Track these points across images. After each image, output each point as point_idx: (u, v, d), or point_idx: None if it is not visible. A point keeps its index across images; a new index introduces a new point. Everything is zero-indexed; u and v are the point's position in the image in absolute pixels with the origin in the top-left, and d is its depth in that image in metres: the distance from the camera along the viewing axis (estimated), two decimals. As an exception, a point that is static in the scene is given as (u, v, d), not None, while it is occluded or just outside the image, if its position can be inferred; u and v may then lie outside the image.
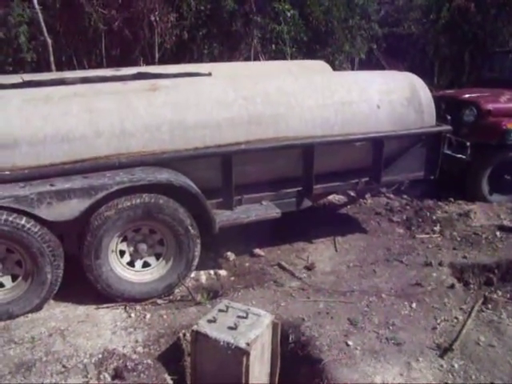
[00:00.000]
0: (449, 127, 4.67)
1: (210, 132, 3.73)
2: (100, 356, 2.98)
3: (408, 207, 5.72)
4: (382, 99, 4.26)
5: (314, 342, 3.13)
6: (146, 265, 3.74)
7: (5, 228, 3.11)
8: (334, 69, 7.19)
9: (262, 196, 4.19)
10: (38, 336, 3.16)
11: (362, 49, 10.62)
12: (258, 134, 3.87)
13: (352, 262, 4.35)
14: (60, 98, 3.53)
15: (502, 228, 4.92)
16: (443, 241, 4.73)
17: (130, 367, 2.88)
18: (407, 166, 4.63)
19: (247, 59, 9.43)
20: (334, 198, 6.03)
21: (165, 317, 3.45)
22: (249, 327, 2.75)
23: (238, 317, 2.84)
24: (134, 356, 3.01)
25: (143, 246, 3.67)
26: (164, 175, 3.51)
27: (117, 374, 2.84)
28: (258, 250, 4.58)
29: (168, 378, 2.97)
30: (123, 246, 3.65)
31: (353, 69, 11.02)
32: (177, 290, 3.82)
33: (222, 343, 2.64)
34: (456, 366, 2.94)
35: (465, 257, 4.35)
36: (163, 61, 8.62)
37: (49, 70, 7.53)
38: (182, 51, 9.35)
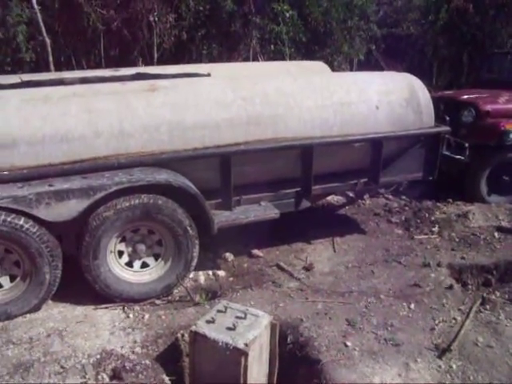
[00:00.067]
0: (447, 128, 4.67)
1: (208, 132, 3.73)
2: (98, 356, 2.97)
3: (406, 208, 5.72)
4: (381, 100, 4.27)
5: (313, 342, 3.13)
6: (144, 265, 3.74)
7: (3, 228, 3.11)
8: (333, 69, 7.19)
9: (261, 197, 4.19)
10: (36, 336, 3.16)
11: (361, 49, 10.63)
12: (257, 134, 3.87)
13: (350, 262, 4.35)
14: (59, 98, 3.53)
15: (500, 229, 4.92)
16: (442, 242, 4.74)
17: (128, 368, 2.88)
18: (406, 167, 4.64)
19: (246, 60, 9.43)
20: (332, 198, 6.04)
21: (163, 317, 3.45)
22: (247, 328, 2.75)
23: (237, 317, 2.83)
24: (133, 356, 3.01)
25: (142, 247, 3.66)
26: (163, 176, 3.50)
27: (115, 375, 2.84)
28: (256, 251, 4.58)
29: (166, 379, 2.97)
30: (122, 247, 3.65)
31: (351, 69, 11.02)
32: (175, 291, 3.81)
33: (220, 344, 2.64)
34: (454, 366, 2.95)
35: (463, 258, 4.35)
36: (162, 61, 8.62)
37: (47, 70, 7.52)
38: (181, 52, 9.35)
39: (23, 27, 7.35)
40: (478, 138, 5.65)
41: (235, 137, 3.81)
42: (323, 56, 9.64)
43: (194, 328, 2.77)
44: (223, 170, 3.83)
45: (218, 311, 2.91)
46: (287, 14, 9.22)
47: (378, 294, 3.72)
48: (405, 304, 3.58)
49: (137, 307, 3.58)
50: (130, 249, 3.68)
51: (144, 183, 3.41)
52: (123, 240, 3.64)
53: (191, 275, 4.00)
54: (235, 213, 3.98)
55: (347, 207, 5.92)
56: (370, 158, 4.41)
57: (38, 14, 7.35)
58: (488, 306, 3.59)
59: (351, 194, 6.07)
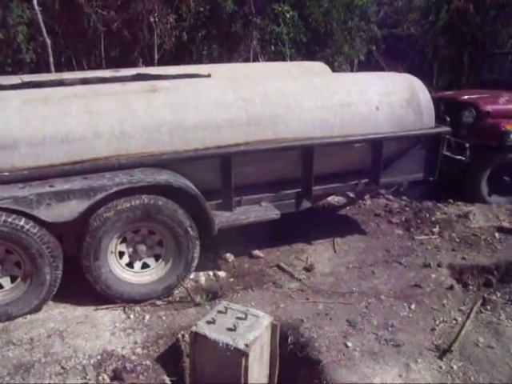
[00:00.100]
0: (448, 128, 4.67)
1: (209, 133, 3.73)
2: (99, 357, 2.97)
3: (407, 208, 5.72)
4: (382, 101, 4.27)
5: (313, 343, 3.12)
6: (145, 266, 3.74)
7: (4, 229, 3.11)
8: (334, 70, 7.19)
9: (262, 197, 4.18)
10: (37, 337, 3.16)
11: (362, 50, 10.64)
12: (257, 135, 3.87)
13: (351, 263, 4.35)
14: (59, 99, 3.53)
15: (500, 229, 4.92)
16: (442, 242, 4.73)
17: (128, 368, 2.88)
18: (406, 168, 4.64)
19: (246, 60, 9.45)
20: (333, 199, 6.04)
21: (164, 318, 3.45)
22: (248, 328, 2.75)
23: (237, 318, 2.83)
24: (133, 357, 3.01)
25: (142, 247, 3.67)
26: (163, 176, 3.51)
27: (116, 376, 2.84)
28: (257, 252, 4.58)
29: (167, 380, 2.97)
30: (122, 247, 3.65)
31: (352, 70, 11.03)
32: (176, 291, 3.81)
33: (221, 344, 2.64)
34: (455, 367, 2.94)
35: (464, 258, 4.35)
36: (162, 62, 8.64)
37: (48, 70, 7.54)
38: (182, 52, 9.36)
39: (23, 28, 7.37)
40: (478, 139, 5.65)
41: (236, 137, 3.81)
42: (324, 57, 9.65)
43: (194, 329, 2.77)
44: (224, 170, 3.83)
45: (219, 312, 2.91)
46: (288, 15, 9.23)
47: (378, 295, 3.72)
48: (405, 304, 3.58)
49: (137, 308, 3.58)
50: (130, 249, 3.68)
51: (144, 184, 3.41)
52: (124, 241, 3.64)
53: (192, 276, 4.00)
54: (236, 213, 3.98)
55: (348, 208, 5.92)
56: (371, 159, 4.41)
57: (39, 15, 7.36)
58: (489, 307, 3.58)
59: (352, 195, 6.07)
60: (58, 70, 7.69)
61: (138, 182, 3.38)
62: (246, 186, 4.04)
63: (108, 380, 2.84)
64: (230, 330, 2.73)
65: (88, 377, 2.82)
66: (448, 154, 5.38)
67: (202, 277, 4.13)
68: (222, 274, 4.22)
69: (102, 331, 3.26)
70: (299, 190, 4.27)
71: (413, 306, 3.55)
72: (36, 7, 7.30)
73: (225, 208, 3.97)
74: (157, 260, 3.75)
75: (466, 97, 6.24)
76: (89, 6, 8.00)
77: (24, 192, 3.13)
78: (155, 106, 3.66)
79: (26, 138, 3.30)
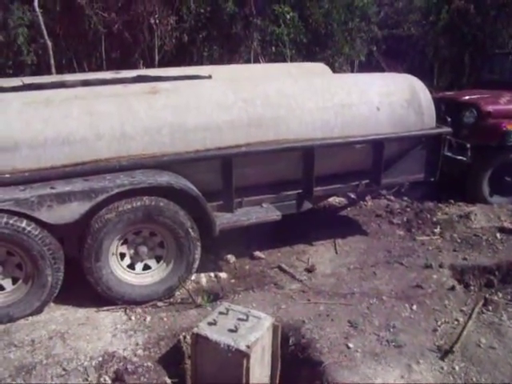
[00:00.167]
0: (449, 129, 4.67)
1: (210, 135, 3.73)
2: (100, 359, 2.97)
3: (408, 209, 5.72)
4: (382, 101, 4.27)
5: (315, 344, 3.12)
6: (146, 267, 3.74)
7: (5, 231, 3.11)
8: (334, 71, 7.20)
9: (263, 198, 4.19)
10: (39, 339, 3.16)
11: (362, 51, 10.65)
12: (258, 136, 3.88)
13: (352, 264, 4.35)
14: (60, 101, 3.54)
15: (502, 230, 4.91)
16: (443, 243, 4.73)
17: (130, 370, 2.88)
18: (407, 168, 4.64)
19: (247, 62, 9.46)
20: (334, 200, 6.03)
21: (165, 319, 3.45)
22: (249, 330, 2.75)
23: (239, 319, 2.83)
24: (135, 359, 3.01)
25: (144, 249, 3.67)
26: (164, 178, 3.51)
27: (117, 377, 2.84)
28: (258, 253, 4.58)
29: (168, 381, 2.97)
30: (123, 249, 3.65)
31: (352, 71, 11.04)
32: (177, 293, 3.81)
33: (222, 346, 2.64)
34: (457, 368, 2.94)
35: (465, 259, 4.34)
36: (163, 63, 8.65)
37: (49, 72, 7.55)
38: (182, 54, 9.37)
39: (24, 30, 7.38)
40: (479, 139, 5.64)
41: (236, 139, 3.81)
42: (324, 57, 9.66)
43: (195, 330, 2.77)
44: (225, 172, 3.83)
45: (220, 313, 2.91)
46: (288, 16, 9.24)
47: (379, 296, 3.71)
48: (407, 305, 3.58)
49: (139, 309, 3.58)
50: (131, 251, 3.68)
51: (146, 185, 3.41)
52: (125, 242, 3.64)
53: (193, 277, 4.00)
54: (237, 215, 3.98)
55: (349, 209, 5.91)
56: (372, 160, 4.41)
57: (40, 17, 7.38)
58: (490, 307, 3.58)
59: (353, 196, 6.07)
60: (59, 71, 7.70)
61: (139, 184, 3.38)
62: (247, 188, 4.04)
63: (109, 381, 2.84)
64: (231, 331, 2.73)
65: (89, 378, 2.82)
66: (449, 154, 5.38)
67: (203, 278, 4.13)
68: (223, 275, 4.22)
69: (104, 333, 3.26)
70: (300, 191, 4.27)
71: (414, 307, 3.55)
72: (37, 9, 7.32)
73: (226, 209, 3.97)
74: (158, 261, 3.75)
75: (466, 97, 6.24)
76: (89, 7, 8.01)
77: (25, 194, 3.13)
78: (156, 108, 3.67)
79: (27, 139, 3.30)
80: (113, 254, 3.56)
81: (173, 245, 3.67)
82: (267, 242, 4.68)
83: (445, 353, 3.05)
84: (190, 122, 3.70)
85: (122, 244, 3.62)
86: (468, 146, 5.52)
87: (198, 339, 2.74)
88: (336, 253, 4.62)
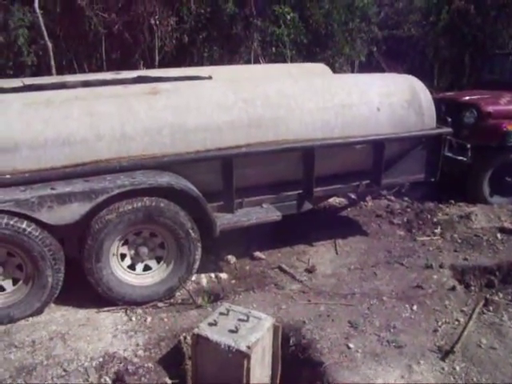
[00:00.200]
0: (449, 129, 4.67)
1: (210, 135, 3.74)
2: (101, 360, 2.97)
3: (409, 209, 5.72)
4: (382, 102, 4.27)
5: (315, 344, 3.12)
6: (146, 268, 3.74)
7: (6, 232, 3.11)
8: (334, 71, 7.20)
9: (263, 199, 4.19)
10: (39, 340, 3.16)
11: (362, 51, 10.64)
12: (259, 136, 3.88)
13: (353, 264, 4.35)
14: (61, 102, 3.54)
15: (502, 230, 4.91)
16: (444, 243, 4.73)
17: (130, 371, 2.88)
18: (408, 169, 4.64)
19: (247, 62, 9.45)
20: (334, 200, 6.03)
21: (166, 320, 3.45)
22: (250, 330, 2.75)
23: (239, 320, 2.83)
24: (135, 359, 3.01)
25: (144, 250, 3.67)
26: (165, 178, 3.51)
27: (118, 378, 2.84)
28: (258, 253, 4.58)
29: (169, 382, 2.97)
30: (124, 250, 3.65)
31: (353, 71, 11.04)
32: (178, 293, 3.81)
33: (222, 346, 2.64)
34: (457, 368, 2.94)
35: (466, 259, 4.34)
36: (163, 64, 8.65)
37: (49, 73, 7.56)
38: (182, 54, 9.37)
39: (24, 31, 7.38)
40: (479, 139, 5.64)
41: (237, 139, 3.81)
42: (324, 58, 9.65)
43: (196, 331, 2.77)
44: (225, 172, 3.83)
45: (221, 314, 2.91)
46: (288, 16, 9.24)
47: (380, 296, 3.71)
48: (407, 306, 3.57)
49: (139, 310, 3.58)
50: (132, 252, 3.68)
51: (146, 186, 3.41)
52: (126, 243, 3.64)
53: (193, 278, 4.00)
54: (237, 215, 3.98)
55: (349, 209, 5.91)
56: (372, 160, 4.41)
57: (40, 18, 7.39)
58: (491, 308, 3.58)
59: (353, 196, 6.07)
60: (60, 72, 7.70)
61: (139, 184, 3.39)
62: (247, 188, 4.04)
63: (110, 382, 2.84)
64: (231, 331, 2.73)
65: (90, 379, 2.82)
66: (449, 154, 5.38)
67: (204, 279, 4.13)
68: (223, 275, 4.22)
69: (104, 333, 3.27)
70: (300, 191, 4.27)
71: (415, 307, 3.55)
72: (37, 10, 7.32)
73: (226, 210, 3.97)
74: (158, 262, 3.75)
75: (467, 97, 6.24)
76: (90, 8, 8.02)
77: (26, 195, 3.13)
78: (156, 109, 3.67)
79: (28, 140, 3.31)
80: (113, 254, 3.56)
81: (173, 245, 3.67)
82: (267, 242, 4.69)
83: (445, 353, 3.05)
84: (191, 123, 3.70)
85: (123, 245, 3.62)
86: (468, 146, 5.52)
87: (199, 340, 2.74)
88: (336, 253, 4.62)
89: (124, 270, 3.65)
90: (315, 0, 9.61)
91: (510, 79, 6.70)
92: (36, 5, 7.29)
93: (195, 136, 3.70)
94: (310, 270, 4.22)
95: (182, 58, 9.30)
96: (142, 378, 2.86)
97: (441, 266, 4.18)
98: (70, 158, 3.40)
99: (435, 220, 5.28)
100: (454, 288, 3.82)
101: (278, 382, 3.03)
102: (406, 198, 6.08)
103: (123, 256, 3.65)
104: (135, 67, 8.37)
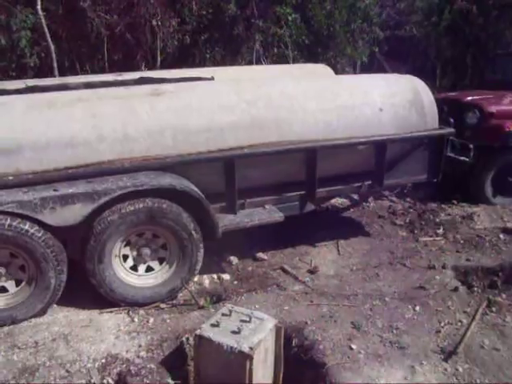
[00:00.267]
0: (451, 130, 4.66)
1: (212, 136, 3.74)
2: (103, 361, 2.98)
3: (411, 210, 5.71)
4: (385, 102, 4.26)
5: (318, 345, 3.12)
6: (149, 269, 3.74)
7: (8, 233, 3.12)
8: (336, 72, 7.19)
9: (265, 200, 4.19)
10: (42, 341, 3.17)
11: (364, 52, 10.61)
12: (261, 137, 3.88)
13: (355, 265, 4.35)
14: (63, 103, 3.55)
15: (505, 230, 4.90)
16: (446, 243, 4.72)
17: (133, 372, 2.89)
18: (410, 169, 4.63)
19: (249, 63, 9.45)
20: (336, 201, 6.03)
21: (168, 321, 3.45)
22: (252, 331, 2.75)
23: (242, 321, 2.83)
24: (138, 360, 3.01)
25: (146, 251, 3.67)
26: (167, 180, 3.51)
27: (120, 379, 2.85)
28: (261, 254, 4.58)
29: (171, 383, 2.96)
30: (126, 251, 3.65)
31: (355, 72, 11.03)
32: (180, 295, 3.82)
33: (225, 347, 2.64)
34: (460, 369, 2.93)
35: (468, 259, 4.33)
36: (165, 65, 8.66)
37: (52, 75, 7.57)
38: (184, 56, 9.37)
39: (26, 32, 7.39)
40: (482, 140, 5.63)
41: (239, 140, 3.81)
42: (326, 59, 9.65)
43: (198, 332, 2.77)
44: (227, 173, 3.83)
45: (223, 315, 2.91)
46: (290, 17, 9.23)
47: (382, 297, 3.71)
48: (410, 306, 3.57)
49: (142, 311, 3.58)
50: (134, 253, 3.68)
51: (148, 187, 3.41)
52: (128, 244, 3.64)
53: (196, 279, 4.00)
54: (239, 216, 3.98)
55: (351, 210, 5.91)
56: (374, 161, 4.40)
57: (43, 20, 7.39)
58: (494, 309, 3.57)
59: (355, 197, 6.06)
60: (62, 74, 7.72)
61: (141, 186, 3.39)
62: (249, 189, 4.04)
63: (112, 383, 2.84)
64: (234, 332, 2.72)
65: (93, 380, 2.83)
66: (452, 155, 5.37)
67: (206, 280, 4.14)
68: (226, 276, 4.22)
69: (107, 334, 3.27)
70: (303, 192, 4.26)
71: (417, 308, 3.54)
72: (40, 12, 7.34)
73: (229, 211, 3.97)
74: (161, 263, 3.76)
75: (469, 98, 6.22)
76: (92, 10, 8.03)
77: (28, 196, 3.14)
78: (158, 110, 3.67)
79: (31, 142, 3.32)
80: (116, 255, 3.56)
81: (176, 247, 3.68)
82: (270, 243, 4.69)
83: (448, 354, 3.04)
84: (193, 124, 3.70)
85: (125, 246, 3.63)
86: (471, 146, 5.51)
87: (201, 341, 2.74)
88: (339, 254, 4.61)
89: (126, 271, 3.65)
90: (317, 1, 9.59)
91: (512, 79, 6.68)
92: (39, 6, 7.31)
93: (197, 137, 3.70)
94: (313, 271, 4.22)
95: (183, 59, 9.30)
96: (145, 379, 2.86)
97: (443, 267, 4.17)
98: (72, 160, 3.40)
99: (438, 220, 5.28)
100: (456, 289, 3.81)
101: (280, 383, 3.03)
102: (409, 199, 6.08)
103: (125, 257, 3.66)
104: (137, 68, 8.37)
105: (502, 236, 4.79)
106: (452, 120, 4.82)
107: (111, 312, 3.55)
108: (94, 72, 8.37)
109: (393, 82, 4.53)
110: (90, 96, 3.72)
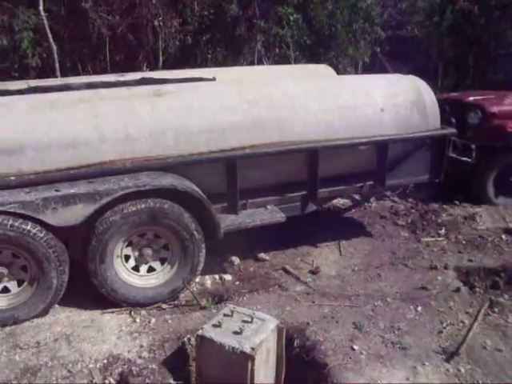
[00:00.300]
0: (453, 130, 4.66)
1: (214, 137, 3.74)
2: (105, 361, 2.98)
3: (413, 210, 5.70)
4: (386, 103, 4.26)
5: (319, 346, 3.12)
6: (150, 269, 3.74)
7: (10, 233, 3.12)
8: (338, 72, 7.18)
9: (267, 200, 4.19)
10: (44, 341, 3.17)
11: (366, 52, 10.61)
12: (263, 138, 3.88)
13: (357, 265, 4.34)
14: (65, 104, 3.55)
15: (507, 231, 4.89)
16: (448, 244, 4.71)
17: (135, 372, 2.89)
18: (412, 170, 4.62)
19: (251, 63, 9.45)
20: (338, 201, 6.02)
21: (170, 321, 3.45)
22: (254, 332, 2.74)
23: (243, 321, 2.83)
24: (139, 361, 3.01)
25: (148, 251, 3.67)
26: (168, 180, 3.51)
27: (122, 379, 2.85)
28: (262, 255, 4.58)
29: (173, 383, 2.96)
30: (128, 251, 3.65)
31: (356, 72, 11.04)
32: (182, 295, 3.82)
33: (226, 348, 2.64)
34: (462, 370, 2.92)
35: (470, 260, 4.33)
36: (167, 66, 8.67)
37: (54, 75, 7.58)
38: (186, 56, 9.38)
39: (29, 33, 7.41)
40: (484, 140, 5.62)
41: (241, 141, 3.81)
42: (328, 59, 9.64)
43: (200, 332, 2.77)
44: (229, 174, 3.83)
45: (225, 315, 2.91)
46: (292, 18, 9.23)
47: (384, 298, 3.70)
48: (412, 307, 3.56)
49: (143, 311, 3.58)
50: (136, 253, 3.69)
51: (150, 188, 3.41)
52: (130, 244, 3.65)
53: (197, 279, 4.00)
54: (241, 217, 3.98)
55: (353, 210, 5.90)
56: (376, 161, 4.40)
57: (45, 21, 7.41)
58: (496, 309, 3.56)
59: (357, 197, 6.05)
60: (64, 74, 7.73)
61: (143, 186, 3.39)
62: (251, 189, 4.04)
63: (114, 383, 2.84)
64: (235, 333, 2.72)
65: (94, 380, 2.83)
66: (454, 155, 5.36)
67: (208, 280, 4.14)
68: (227, 277, 4.22)
69: (108, 335, 3.27)
70: (305, 192, 4.26)
71: (419, 309, 3.54)
72: (42, 13, 7.35)
73: (230, 211, 3.97)
74: (162, 263, 3.76)
75: (471, 98, 6.21)
76: (94, 11, 8.04)
77: (30, 196, 3.14)
78: (160, 110, 3.67)
79: (33, 142, 3.32)
80: (117, 256, 3.57)
81: (177, 247, 3.68)
82: (272, 243, 4.68)
83: (450, 355, 3.03)
84: (194, 124, 3.70)
85: (127, 246, 3.63)
86: (473, 146, 5.50)
87: (203, 341, 2.74)
88: (340, 254, 4.61)
89: (128, 271, 3.66)
90: (319, 1, 9.59)
91: (514, 79, 6.67)
92: (41, 7, 7.32)
93: (199, 138, 3.70)
94: (315, 272, 4.22)
95: (185, 59, 9.31)
96: (146, 380, 2.86)
97: (445, 267, 4.16)
98: (74, 160, 3.41)
99: (440, 221, 5.27)
100: (458, 289, 3.81)
101: (282, 383, 3.02)
102: (411, 199, 6.07)
103: (127, 257, 3.66)
104: (139, 69, 8.38)
105: (504, 236, 4.78)
106: (454, 120, 4.82)
107: (113, 312, 3.55)
108: (95, 72, 8.38)
109: (394, 83, 4.53)
110: (92, 96, 3.72)
